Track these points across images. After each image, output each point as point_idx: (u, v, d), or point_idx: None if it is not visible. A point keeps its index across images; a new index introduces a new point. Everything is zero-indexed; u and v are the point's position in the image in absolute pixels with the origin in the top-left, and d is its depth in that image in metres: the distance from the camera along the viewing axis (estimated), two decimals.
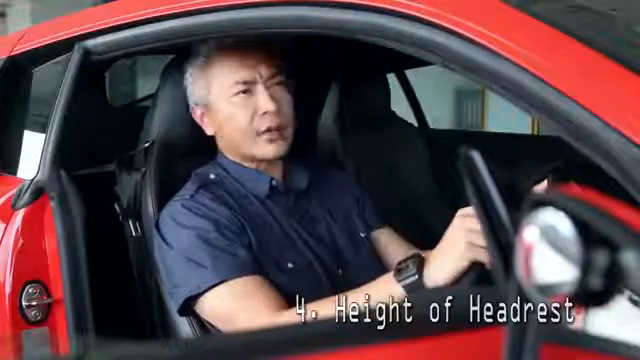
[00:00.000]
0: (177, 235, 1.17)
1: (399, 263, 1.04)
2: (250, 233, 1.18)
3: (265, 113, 1.22)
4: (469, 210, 0.97)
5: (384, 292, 1.02)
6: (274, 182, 1.27)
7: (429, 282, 1.00)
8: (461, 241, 0.97)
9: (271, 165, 1.28)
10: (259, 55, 1.24)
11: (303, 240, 1.24)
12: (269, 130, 1.22)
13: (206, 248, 1.13)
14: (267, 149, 1.24)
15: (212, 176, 1.27)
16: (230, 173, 1.28)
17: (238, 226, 1.17)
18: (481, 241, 0.94)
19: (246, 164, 1.28)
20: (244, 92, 1.23)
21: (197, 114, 1.30)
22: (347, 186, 1.42)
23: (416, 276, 1.00)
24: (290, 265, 1.19)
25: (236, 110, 1.23)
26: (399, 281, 1.01)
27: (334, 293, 1.11)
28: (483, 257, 0.96)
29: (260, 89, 1.23)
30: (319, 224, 1.29)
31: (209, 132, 1.29)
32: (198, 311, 1.15)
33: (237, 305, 1.11)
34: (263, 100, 1.22)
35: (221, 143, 1.30)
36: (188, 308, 1.15)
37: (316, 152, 1.79)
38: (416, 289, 1.00)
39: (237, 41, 1.24)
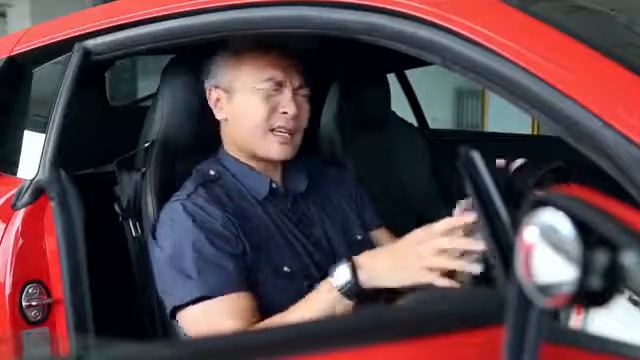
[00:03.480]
0: (169, 240, 1.17)
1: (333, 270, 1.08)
2: (245, 238, 1.17)
3: (284, 113, 1.23)
4: (434, 230, 1.00)
5: (326, 301, 1.07)
6: (274, 184, 1.27)
7: (368, 284, 1.05)
8: (415, 266, 1.00)
9: (271, 166, 1.28)
10: (291, 62, 1.26)
11: (300, 243, 1.24)
12: (282, 129, 1.23)
13: (195, 259, 1.13)
14: (273, 149, 1.24)
15: (212, 172, 1.27)
16: (229, 170, 1.27)
17: (232, 232, 1.17)
18: (443, 264, 0.98)
19: (246, 161, 1.27)
20: (272, 88, 1.23)
21: (212, 97, 1.29)
22: (346, 186, 1.42)
23: (352, 282, 1.04)
24: (286, 269, 1.19)
25: (258, 101, 1.23)
26: (338, 290, 1.05)
27: None
28: (434, 280, 0.99)
29: (287, 92, 1.24)
30: (316, 227, 1.29)
31: (219, 116, 1.29)
32: (179, 321, 1.16)
33: (215, 324, 1.11)
34: (287, 100, 1.23)
35: (227, 132, 1.30)
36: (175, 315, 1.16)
37: (316, 153, 1.79)
38: (355, 293, 1.05)
39: (271, 41, 1.25)
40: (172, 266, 1.15)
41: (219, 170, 1.27)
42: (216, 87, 1.28)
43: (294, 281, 1.19)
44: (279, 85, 1.24)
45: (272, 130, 1.23)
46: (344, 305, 1.05)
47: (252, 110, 1.24)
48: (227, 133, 1.30)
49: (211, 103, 1.29)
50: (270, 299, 1.15)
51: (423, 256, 0.99)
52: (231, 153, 1.29)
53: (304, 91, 1.27)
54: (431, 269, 0.98)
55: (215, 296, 1.12)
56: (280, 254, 1.20)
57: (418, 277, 1.00)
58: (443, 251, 0.97)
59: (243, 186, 1.26)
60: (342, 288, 1.05)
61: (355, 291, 1.04)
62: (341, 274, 1.05)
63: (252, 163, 1.28)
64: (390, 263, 1.05)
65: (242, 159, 1.28)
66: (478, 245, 0.93)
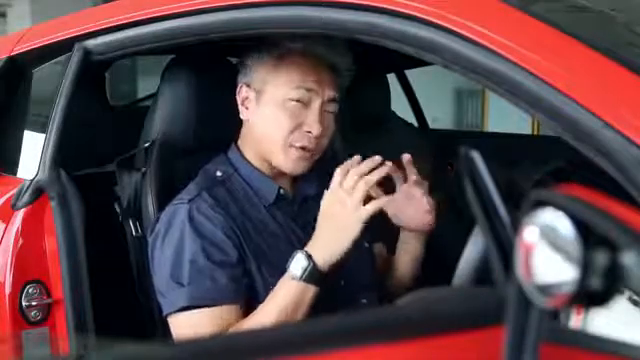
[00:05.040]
0: (168, 243, 1.17)
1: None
2: (246, 242, 1.17)
3: (309, 132, 1.20)
4: (337, 180, 1.11)
5: (291, 294, 1.10)
6: (282, 191, 1.26)
7: (326, 265, 1.10)
8: (350, 214, 1.08)
9: (283, 175, 1.26)
10: (328, 75, 1.23)
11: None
12: (303, 148, 1.21)
13: (189, 268, 1.14)
14: (290, 164, 1.22)
15: (219, 173, 1.25)
16: (238, 171, 1.26)
17: (233, 238, 1.16)
18: (362, 192, 1.09)
19: (258, 164, 1.26)
20: (301, 102, 1.20)
21: (241, 94, 1.26)
22: None
23: (310, 264, 1.09)
24: None
25: (283, 115, 1.20)
26: (300, 278, 1.09)
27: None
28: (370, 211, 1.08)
29: (315, 107, 1.21)
30: None
31: (243, 116, 1.26)
32: (169, 325, 1.17)
33: (198, 334, 1.11)
34: (312, 119, 1.20)
35: (246, 132, 1.28)
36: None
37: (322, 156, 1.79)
38: (316, 279, 1.09)
39: (312, 51, 1.22)
40: (168, 270, 1.15)
41: (227, 171, 1.26)
42: (248, 85, 1.25)
43: None
44: (310, 95, 1.20)
45: (292, 146, 1.21)
46: (309, 292, 1.10)
47: (276, 123, 1.21)
48: (246, 133, 1.28)
49: (239, 100, 1.27)
50: None
51: (350, 201, 1.09)
52: (244, 152, 1.27)
53: (333, 106, 1.24)
54: (362, 203, 1.08)
55: (203, 307, 1.12)
56: (284, 258, 1.19)
57: (360, 220, 1.08)
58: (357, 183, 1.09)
59: (251, 189, 1.25)
60: (302, 276, 1.09)
61: (317, 276, 1.09)
62: (298, 264, 1.10)
63: (264, 168, 1.26)
64: (332, 233, 1.11)
65: (254, 161, 1.26)
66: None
